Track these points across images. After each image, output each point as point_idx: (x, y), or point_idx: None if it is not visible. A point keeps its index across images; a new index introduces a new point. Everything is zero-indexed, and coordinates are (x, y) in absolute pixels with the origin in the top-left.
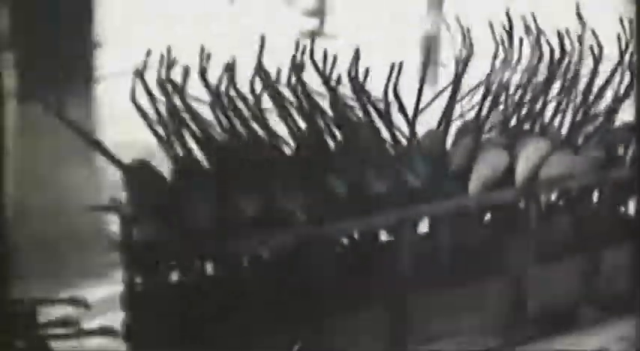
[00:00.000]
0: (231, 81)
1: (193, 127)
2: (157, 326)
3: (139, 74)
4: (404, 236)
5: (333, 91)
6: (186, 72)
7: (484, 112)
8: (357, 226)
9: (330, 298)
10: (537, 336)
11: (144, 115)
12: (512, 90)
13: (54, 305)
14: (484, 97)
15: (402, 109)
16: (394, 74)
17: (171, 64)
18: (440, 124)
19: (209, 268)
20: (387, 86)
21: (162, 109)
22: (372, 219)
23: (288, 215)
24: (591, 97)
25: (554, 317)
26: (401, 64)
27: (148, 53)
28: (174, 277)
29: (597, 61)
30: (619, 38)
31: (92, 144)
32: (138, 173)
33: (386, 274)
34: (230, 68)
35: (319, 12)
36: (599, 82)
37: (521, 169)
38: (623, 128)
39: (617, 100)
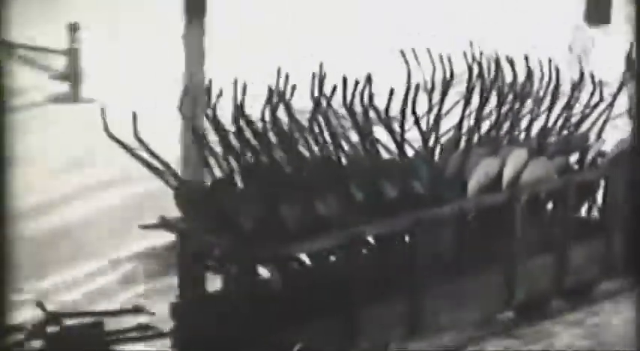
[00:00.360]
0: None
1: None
2: (206, 335)
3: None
4: (421, 236)
5: None
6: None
7: (467, 126)
8: (388, 227)
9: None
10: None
11: (198, 140)
12: (491, 106)
13: (120, 315)
14: (463, 114)
15: (419, 126)
16: (410, 96)
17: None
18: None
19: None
20: (403, 107)
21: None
22: (393, 221)
23: (326, 222)
24: (556, 112)
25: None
26: (417, 86)
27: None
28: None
29: (558, 82)
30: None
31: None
32: (189, 192)
33: (406, 268)
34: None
35: (71, 76)
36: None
37: (507, 175)
38: (581, 137)
39: (584, 113)
